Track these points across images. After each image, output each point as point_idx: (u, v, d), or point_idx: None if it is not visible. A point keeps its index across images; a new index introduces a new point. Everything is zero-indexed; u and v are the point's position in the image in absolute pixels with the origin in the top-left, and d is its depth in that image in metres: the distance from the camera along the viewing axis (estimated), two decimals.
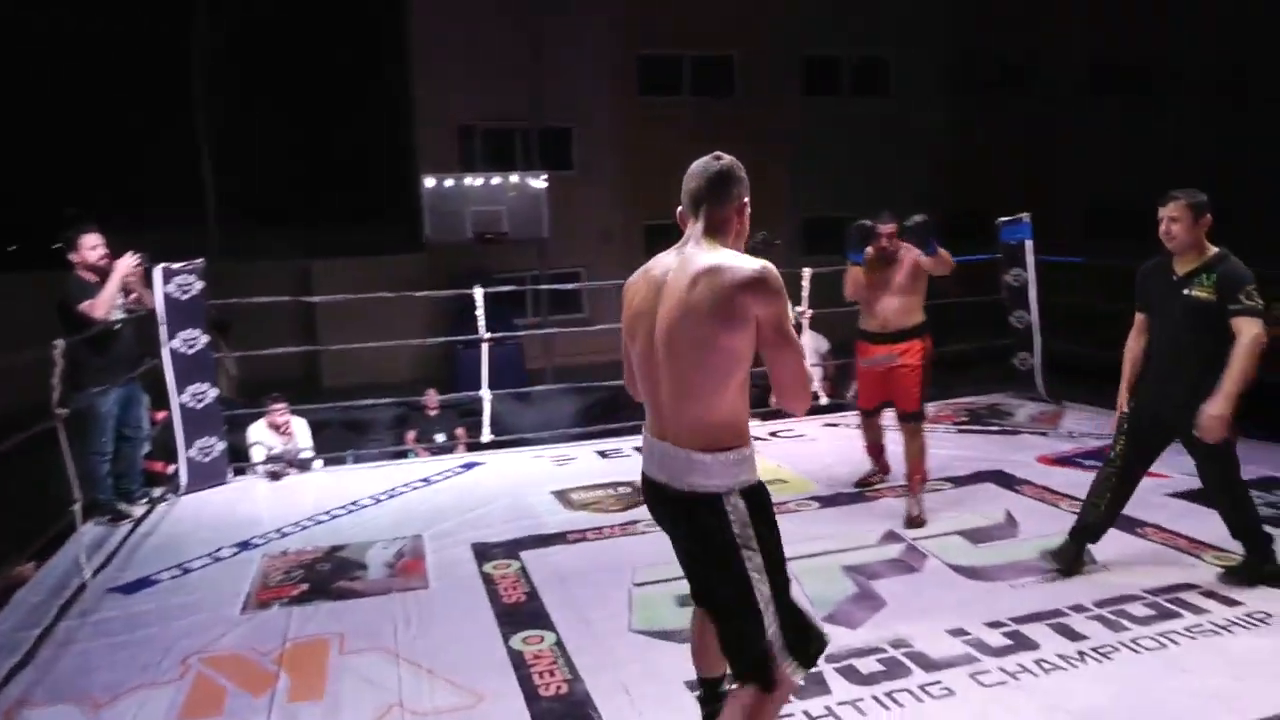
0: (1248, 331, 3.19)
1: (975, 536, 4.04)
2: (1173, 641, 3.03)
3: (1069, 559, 3.63)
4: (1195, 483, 4.53)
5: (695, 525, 2.09)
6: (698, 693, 2.52)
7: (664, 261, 2.18)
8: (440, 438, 7.69)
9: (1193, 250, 3.35)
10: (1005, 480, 4.83)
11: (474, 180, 12.05)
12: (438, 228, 11.40)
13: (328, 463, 6.24)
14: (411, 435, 7.77)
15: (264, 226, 15.26)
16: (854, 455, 5.61)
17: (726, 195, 2.18)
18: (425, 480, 5.35)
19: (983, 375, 7.23)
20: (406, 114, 14.26)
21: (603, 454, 5.81)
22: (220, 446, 5.35)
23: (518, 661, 3.10)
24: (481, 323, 5.80)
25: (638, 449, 5.77)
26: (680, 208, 2.24)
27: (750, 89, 15.52)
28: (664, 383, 2.11)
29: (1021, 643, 3.06)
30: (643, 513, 4.52)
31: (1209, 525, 3.99)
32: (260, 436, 5.98)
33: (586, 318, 14.73)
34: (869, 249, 4.45)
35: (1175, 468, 4.85)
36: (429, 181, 11.93)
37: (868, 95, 16.37)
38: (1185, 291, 3.33)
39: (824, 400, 6.79)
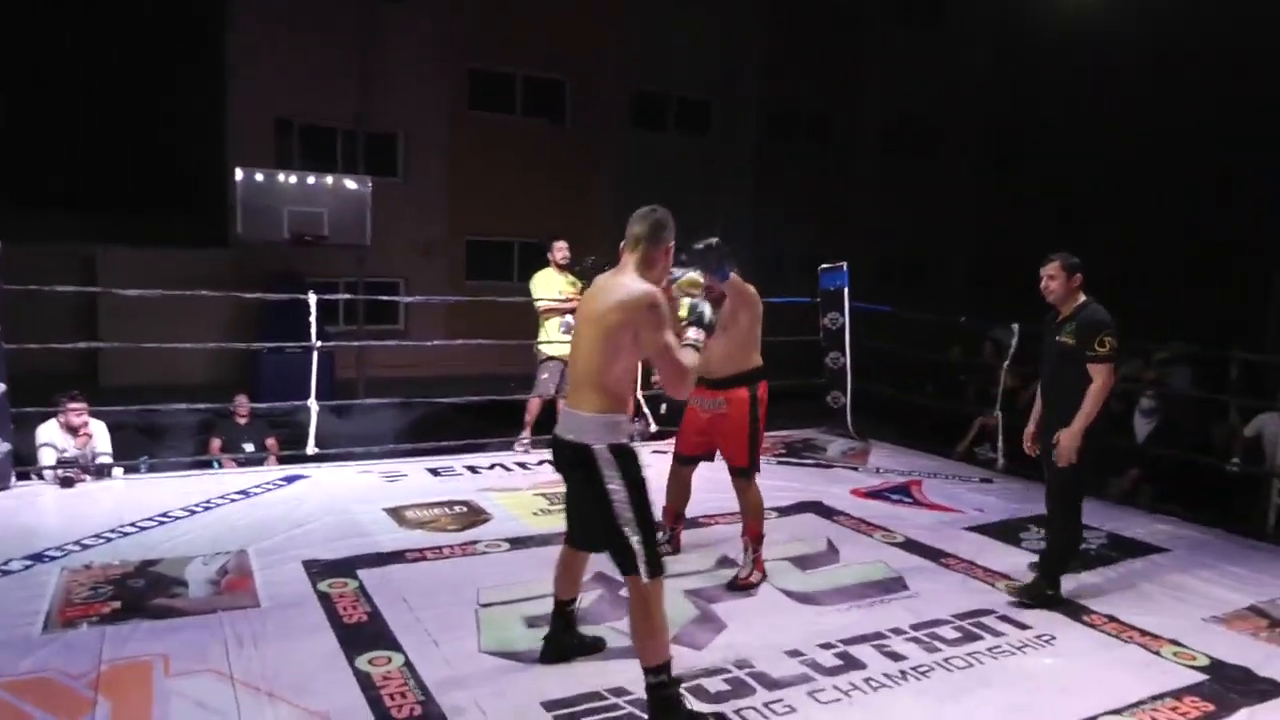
0: (1097, 377, 3.76)
1: (802, 563, 4.31)
2: (979, 661, 3.38)
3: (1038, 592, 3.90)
4: (986, 518, 5.13)
5: (578, 468, 2.85)
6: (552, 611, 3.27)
7: (606, 277, 2.98)
8: (249, 448, 7.28)
9: (1067, 302, 3.92)
10: (824, 511, 5.18)
11: (290, 177, 11.50)
12: (251, 225, 10.79)
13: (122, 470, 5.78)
14: (217, 444, 7.31)
15: (46, 209, 13.87)
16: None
17: (659, 239, 2.93)
18: (244, 493, 5.08)
19: (797, 410, 7.69)
20: (219, 100, 13.44)
21: (434, 472, 5.74)
22: (3, 448, 4.84)
23: (366, 683, 3.02)
24: (314, 330, 5.59)
25: (470, 468, 5.83)
26: (624, 242, 2.95)
27: (581, 116, 15.78)
28: (579, 363, 2.93)
29: (851, 663, 3.31)
30: (483, 533, 4.55)
31: (1001, 556, 4.50)
32: (51, 438, 5.45)
33: (402, 330, 14.39)
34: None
35: (968, 504, 5.45)
36: (240, 175, 11.27)
37: (691, 132, 17.04)
38: (1057, 338, 3.91)
39: (653, 427, 6.98)
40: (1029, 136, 18.55)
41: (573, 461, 2.86)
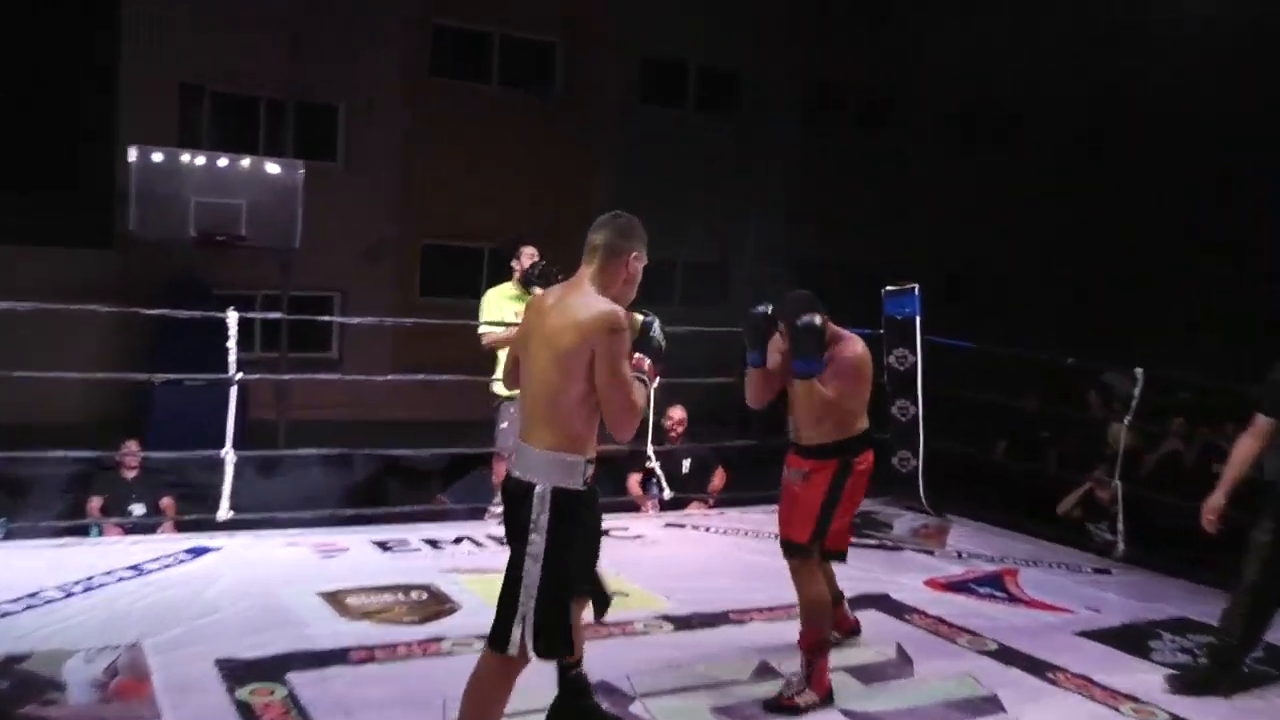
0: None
1: (865, 675, 4.31)
2: None
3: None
4: (1104, 620, 5.14)
5: (515, 508, 3.09)
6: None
7: (557, 292, 3.23)
8: (139, 509, 7.30)
9: None
10: (892, 607, 5.18)
11: (198, 159, 11.61)
12: (146, 219, 10.89)
13: None
14: (97, 504, 7.32)
15: None
16: (708, 562, 5.84)
17: (618, 251, 3.19)
18: (136, 568, 5.10)
19: None
20: (108, 59, 13.56)
21: (383, 546, 5.77)
22: None
23: None
24: (233, 357, 5.64)
25: (430, 542, 5.85)
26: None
27: (574, 87, 15.94)
28: (528, 391, 3.18)
29: None
30: (448, 627, 4.55)
31: (1127, 672, 4.49)
32: None
33: (336, 358, 14.44)
34: (774, 345, 4.22)
35: (1079, 601, 5.45)
36: (134, 155, 11.37)
37: (716, 111, 17.20)
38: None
39: (666, 494, 7.00)
40: (1145, 125, 18.65)
41: (518, 504, 3.08)
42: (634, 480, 7.42)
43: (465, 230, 15.12)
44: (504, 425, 6.38)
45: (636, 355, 3.20)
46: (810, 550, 4.10)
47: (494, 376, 6.42)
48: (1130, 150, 18.76)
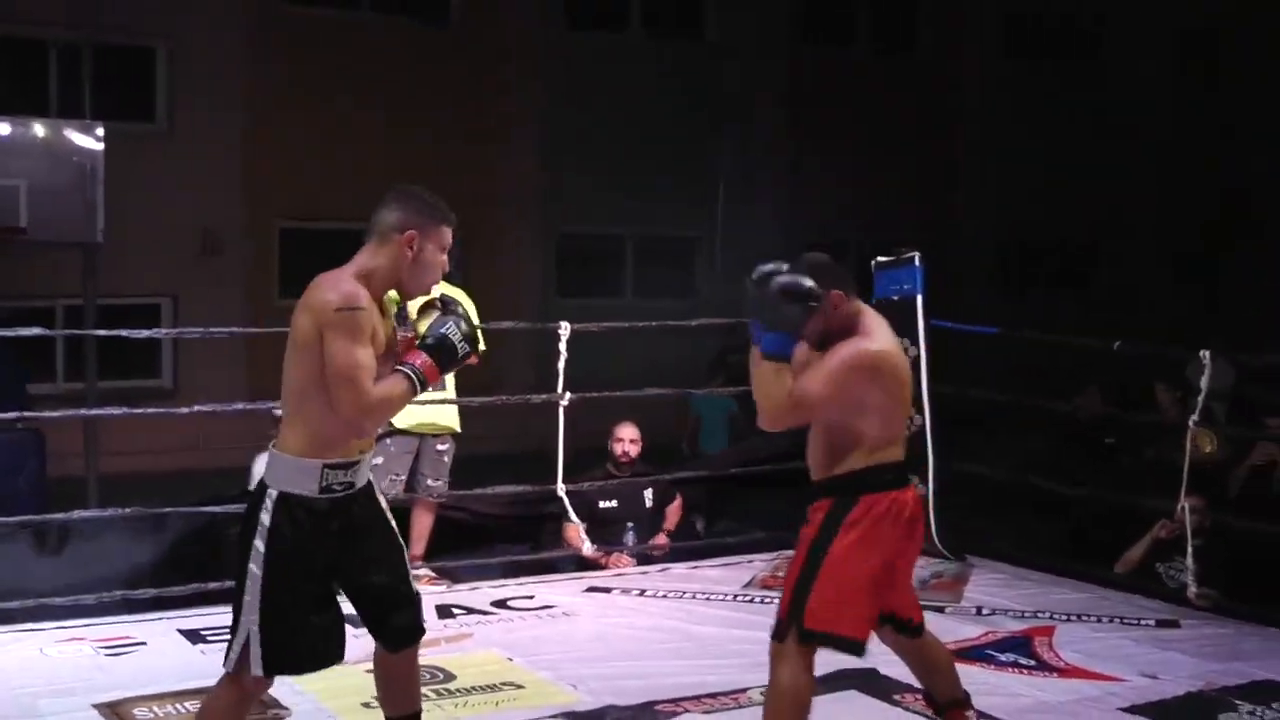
0: None
1: None
2: None
3: None
4: (1162, 689, 5.15)
5: (247, 513, 3.65)
6: None
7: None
8: None
9: None
10: (879, 686, 5.15)
11: None
12: None
13: None
14: None
15: None
16: (633, 641, 5.81)
17: (387, 226, 3.63)
18: None
19: None
20: None
21: (194, 636, 5.74)
22: None
23: None
24: None
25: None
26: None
27: (478, 13, 15.91)
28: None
29: None
30: None
31: None
32: None
33: (169, 387, 14.33)
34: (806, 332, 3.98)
35: (1132, 667, 5.45)
36: None
37: (666, 36, 17.23)
38: None
39: (586, 548, 6.95)
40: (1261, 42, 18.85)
41: (250, 508, 3.64)
42: (572, 531, 7.34)
43: (335, 208, 14.98)
44: (377, 462, 6.45)
45: (413, 346, 3.64)
46: (786, 628, 3.96)
47: None
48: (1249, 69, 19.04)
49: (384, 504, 3.93)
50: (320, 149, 14.81)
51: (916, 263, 7.46)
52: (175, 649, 5.59)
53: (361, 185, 14.81)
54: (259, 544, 3.50)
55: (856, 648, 4.00)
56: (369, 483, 3.82)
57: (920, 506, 4.15)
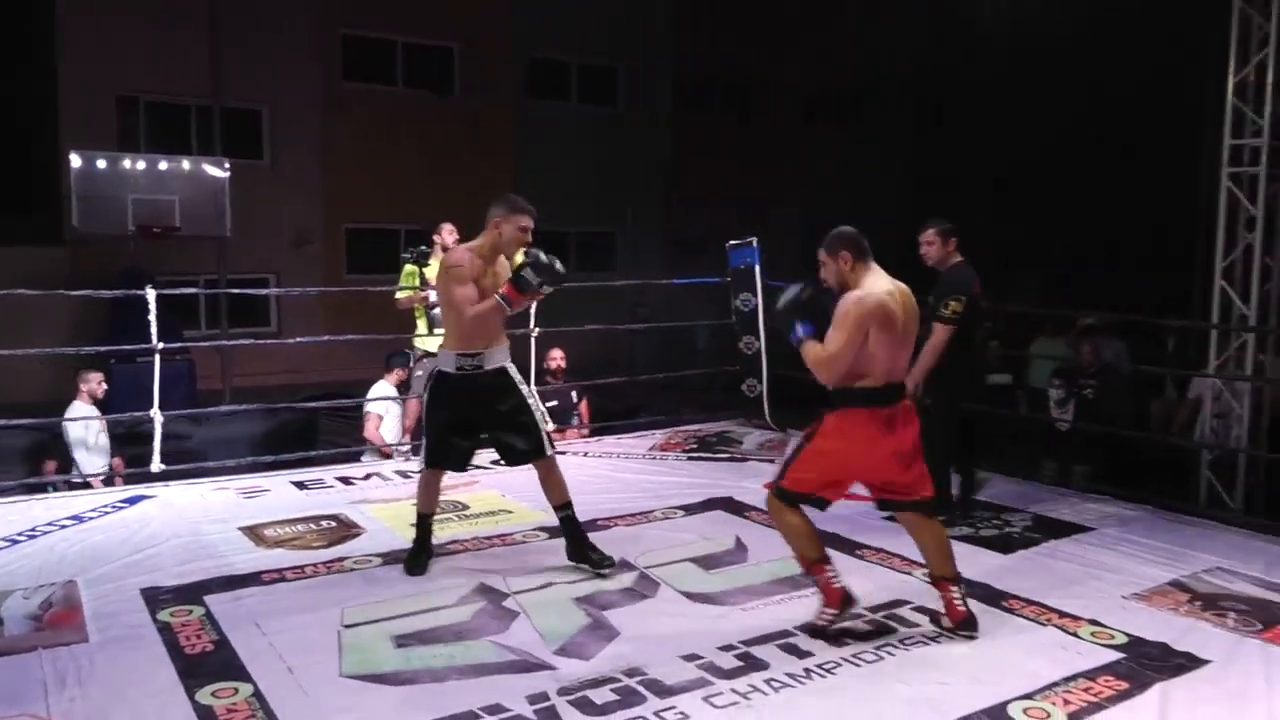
0: (935, 334, 4.69)
1: (707, 563, 4.39)
2: (889, 654, 3.49)
3: None
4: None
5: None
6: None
7: None
8: (98, 464, 7.07)
9: (940, 266, 4.85)
10: (735, 507, 5.26)
11: (136, 163, 11.21)
12: (88, 216, 10.50)
13: None
14: (52, 466, 7.07)
15: None
16: (585, 482, 5.89)
17: (489, 218, 4.06)
18: (76, 518, 4.94)
19: (714, 402, 7.81)
20: (49, 75, 12.95)
21: (300, 485, 5.68)
22: None
23: (207, 717, 2.98)
24: (154, 329, 5.46)
25: (343, 479, 5.78)
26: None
27: (471, 86, 15.67)
28: None
29: (752, 664, 3.39)
30: (351, 548, 4.53)
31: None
32: None
33: (275, 331, 14.11)
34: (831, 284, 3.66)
35: None
36: (77, 161, 10.94)
37: (596, 103, 17.09)
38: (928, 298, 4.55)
39: (550, 426, 6.99)
40: (960, 103, 19.01)
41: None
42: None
43: (381, 215, 14.84)
44: (419, 374, 6.50)
45: (508, 284, 3.94)
46: (774, 486, 3.73)
47: (416, 334, 6.64)
48: (952, 123, 19.11)
49: (516, 379, 4.16)
50: (369, 175, 14.53)
51: (754, 244, 7.42)
52: (289, 493, 5.54)
53: (396, 200, 14.73)
54: (425, 397, 4.14)
55: (817, 503, 3.69)
56: (503, 367, 4.12)
57: (903, 416, 3.59)
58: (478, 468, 6.20)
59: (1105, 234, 17.82)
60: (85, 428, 6.87)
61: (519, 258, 4.05)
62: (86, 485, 6.50)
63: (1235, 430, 6.16)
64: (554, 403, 7.41)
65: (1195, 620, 3.81)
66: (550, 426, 6.83)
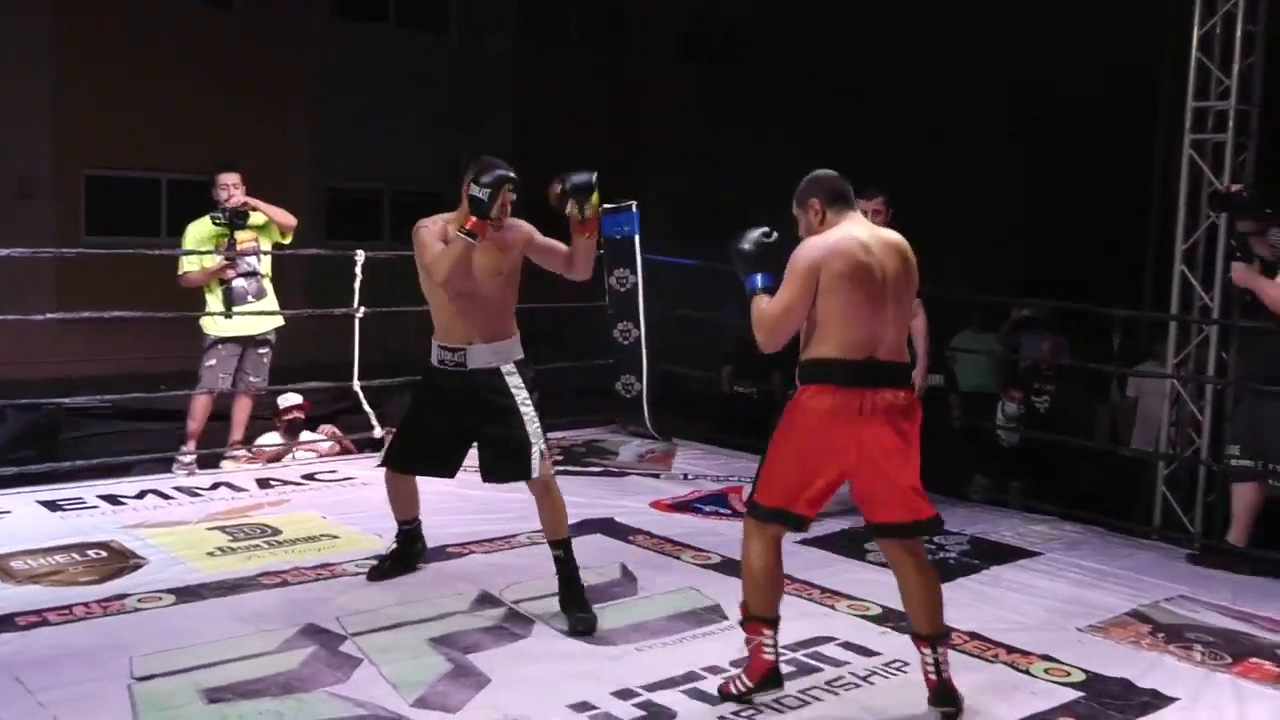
0: (917, 318, 5.33)
1: (591, 596, 4.54)
2: (815, 698, 3.73)
3: None
4: (827, 527, 5.57)
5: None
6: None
7: None
8: None
9: None
10: (617, 530, 5.46)
11: None
12: None
13: None
14: None
15: None
16: (430, 501, 5.92)
17: (463, 182, 4.23)
18: None
19: (583, 406, 7.95)
20: None
21: (52, 505, 5.58)
22: None
23: None
24: None
25: (109, 498, 5.68)
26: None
27: None
28: None
29: (656, 712, 3.57)
30: (132, 583, 4.50)
31: (842, 571, 4.93)
32: None
33: None
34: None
35: None
36: None
37: (417, 29, 16.99)
38: None
39: (377, 431, 7.00)
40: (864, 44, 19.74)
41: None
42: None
43: (136, 158, 14.34)
44: (210, 363, 6.46)
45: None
46: (749, 507, 3.65)
47: (206, 311, 6.57)
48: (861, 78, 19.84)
49: (512, 384, 4.26)
50: (115, 100, 13.91)
51: (634, 210, 7.57)
52: (39, 515, 5.43)
53: (158, 139, 14.27)
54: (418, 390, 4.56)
55: (793, 522, 3.56)
56: (495, 369, 4.25)
57: (887, 407, 3.44)
58: (287, 482, 6.23)
59: (1041, 207, 18.84)
60: None
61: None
62: None
63: (1196, 441, 6.68)
64: None
65: (1159, 654, 4.19)
66: (378, 431, 6.89)
